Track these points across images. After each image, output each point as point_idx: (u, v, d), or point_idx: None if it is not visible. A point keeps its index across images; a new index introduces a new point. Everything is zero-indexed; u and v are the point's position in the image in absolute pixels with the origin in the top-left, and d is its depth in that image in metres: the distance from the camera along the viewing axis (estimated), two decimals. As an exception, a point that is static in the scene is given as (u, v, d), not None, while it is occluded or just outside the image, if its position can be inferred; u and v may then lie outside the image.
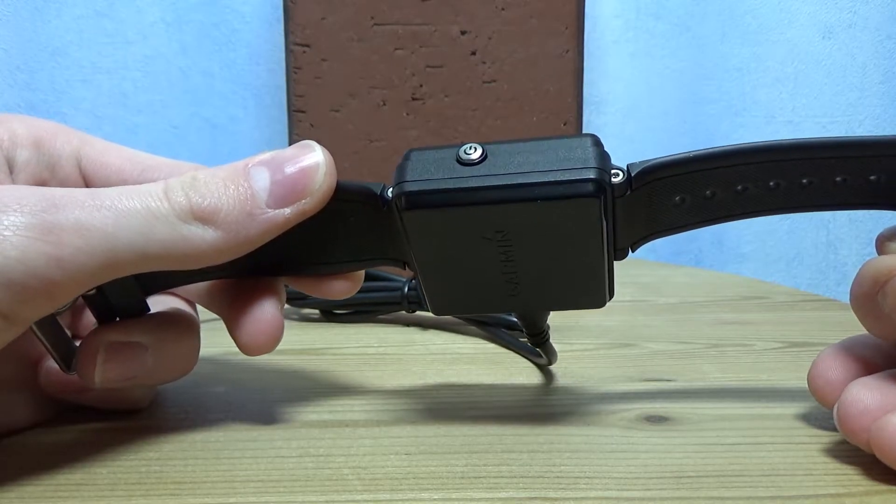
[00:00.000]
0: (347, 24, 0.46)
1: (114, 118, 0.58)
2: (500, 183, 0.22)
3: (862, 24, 0.58)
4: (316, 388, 0.31)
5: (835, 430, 0.24)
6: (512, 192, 0.22)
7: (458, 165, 0.22)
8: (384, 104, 0.46)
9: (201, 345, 0.28)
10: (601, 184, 0.22)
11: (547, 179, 0.22)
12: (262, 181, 0.22)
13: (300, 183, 0.23)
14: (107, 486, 0.22)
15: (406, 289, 0.39)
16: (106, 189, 0.21)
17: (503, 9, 0.46)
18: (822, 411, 0.28)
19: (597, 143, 0.23)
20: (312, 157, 0.23)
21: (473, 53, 0.46)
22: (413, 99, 0.46)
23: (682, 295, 0.45)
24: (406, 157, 0.23)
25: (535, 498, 0.21)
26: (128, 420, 0.27)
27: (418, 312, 0.39)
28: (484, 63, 0.46)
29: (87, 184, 0.26)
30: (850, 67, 0.59)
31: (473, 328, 0.39)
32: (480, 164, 0.22)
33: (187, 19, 0.57)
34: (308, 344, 0.37)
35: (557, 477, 0.23)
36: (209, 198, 0.22)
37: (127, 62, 0.57)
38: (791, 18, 0.58)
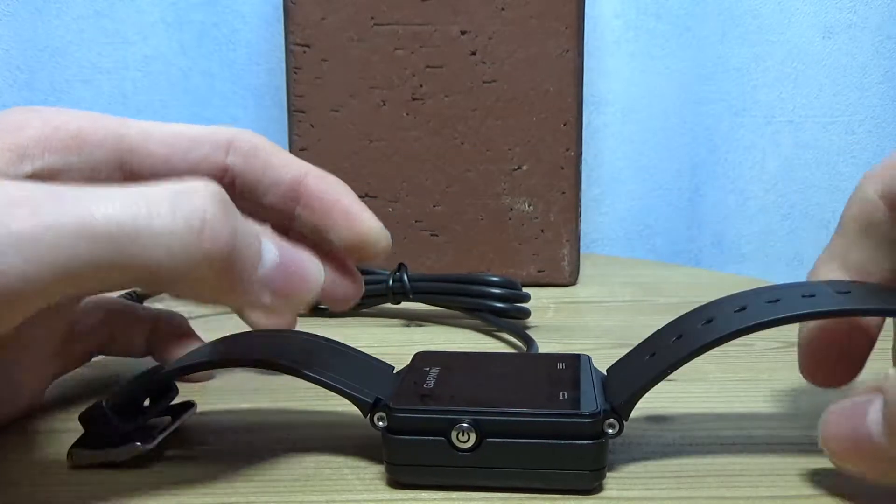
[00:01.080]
0: (347, 24, 0.46)
1: (114, 118, 0.58)
2: (495, 483, 0.22)
3: (862, 24, 0.58)
4: (316, 387, 0.30)
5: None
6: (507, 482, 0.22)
7: (448, 450, 0.21)
8: (384, 104, 0.46)
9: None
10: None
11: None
12: (269, 254, 0.21)
13: (296, 287, 0.21)
14: (107, 486, 0.22)
15: (391, 281, 0.39)
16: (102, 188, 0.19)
17: (503, 9, 0.46)
18: (821, 410, 0.28)
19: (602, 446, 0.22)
20: (317, 273, 0.22)
21: (473, 53, 0.46)
22: (413, 99, 0.46)
23: (682, 295, 0.45)
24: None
25: (536, 498, 0.21)
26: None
27: (405, 304, 0.40)
28: (484, 63, 0.46)
29: (132, 180, 0.24)
30: (850, 67, 0.59)
31: (470, 324, 0.39)
32: (472, 454, 0.21)
33: (187, 19, 0.57)
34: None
35: (557, 477, 0.23)
36: (225, 222, 0.19)
37: (127, 62, 0.57)
38: (791, 18, 0.58)
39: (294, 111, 0.46)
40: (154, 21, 0.57)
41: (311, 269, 0.22)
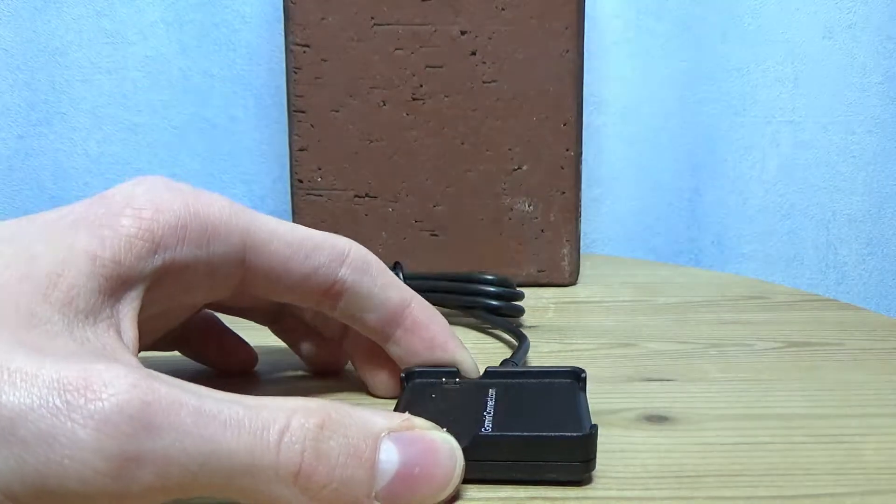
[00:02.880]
0: (347, 24, 0.46)
1: (114, 118, 0.58)
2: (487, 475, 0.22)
3: (862, 24, 0.58)
4: (316, 387, 0.30)
5: (834, 429, 0.24)
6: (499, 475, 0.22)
7: None
8: (384, 104, 0.46)
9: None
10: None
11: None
12: (386, 466, 0.19)
13: (424, 490, 0.20)
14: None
15: None
16: (218, 406, 0.18)
17: (503, 9, 0.46)
18: (821, 412, 0.28)
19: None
20: (449, 465, 0.20)
21: (473, 53, 0.46)
22: (413, 99, 0.46)
23: (682, 295, 0.45)
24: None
25: (535, 498, 0.21)
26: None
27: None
28: (484, 63, 0.46)
29: (248, 276, 0.24)
30: (850, 67, 0.59)
31: (466, 322, 0.39)
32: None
33: (187, 19, 0.57)
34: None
35: (557, 477, 0.23)
36: (325, 465, 0.18)
37: (127, 62, 0.57)
38: (791, 18, 0.58)
39: (294, 111, 0.46)
40: (154, 21, 0.57)
41: (442, 461, 0.20)
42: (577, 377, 0.26)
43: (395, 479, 0.19)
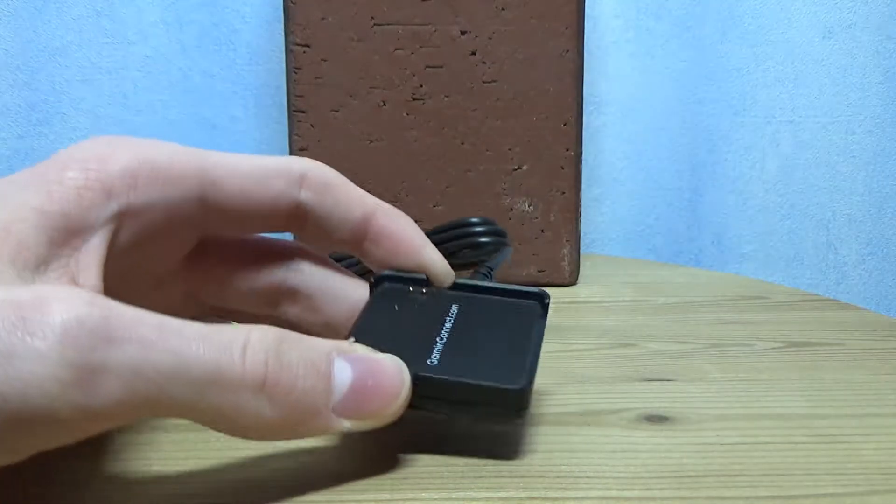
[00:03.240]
0: (347, 24, 0.46)
1: (114, 118, 0.58)
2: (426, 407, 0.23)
3: (862, 24, 0.58)
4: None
5: (834, 429, 0.24)
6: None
7: None
8: (384, 104, 0.46)
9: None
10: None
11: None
12: (341, 380, 0.20)
13: (376, 403, 0.21)
14: (107, 486, 0.22)
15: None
16: (178, 325, 0.18)
17: (503, 9, 0.46)
18: (821, 412, 0.28)
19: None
20: (399, 381, 0.21)
21: (473, 53, 0.46)
22: (413, 99, 0.46)
23: (682, 295, 0.45)
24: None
25: (536, 498, 0.21)
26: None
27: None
28: (484, 63, 0.46)
29: (210, 215, 0.24)
30: (850, 67, 0.59)
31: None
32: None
33: (187, 19, 0.57)
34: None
35: (557, 477, 0.23)
36: (287, 373, 0.19)
37: (127, 62, 0.57)
38: (791, 18, 0.58)
39: (294, 111, 0.46)
40: (154, 21, 0.57)
41: (390, 377, 0.21)
42: (541, 301, 0.27)
43: (350, 392, 0.20)
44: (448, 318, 0.25)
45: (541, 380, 0.31)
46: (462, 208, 0.47)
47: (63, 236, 0.20)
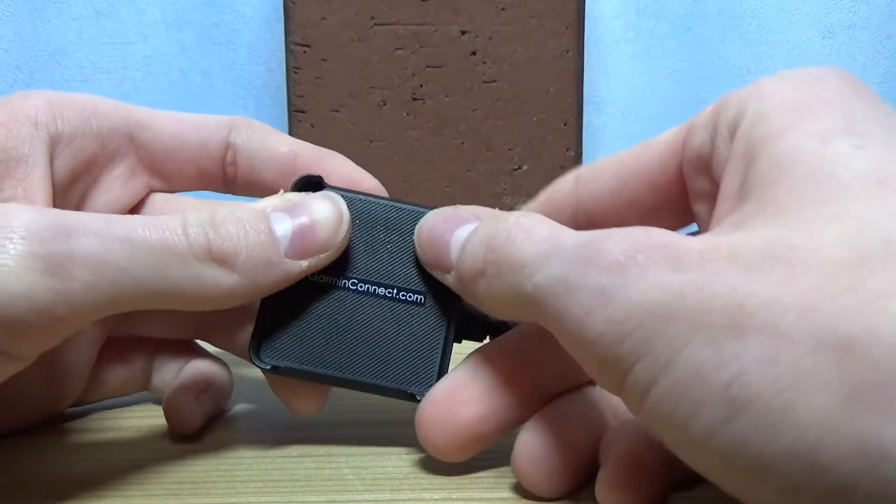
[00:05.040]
0: (347, 24, 0.46)
1: (114, 118, 0.58)
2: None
3: (862, 24, 0.58)
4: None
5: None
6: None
7: None
8: (384, 104, 0.46)
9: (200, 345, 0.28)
10: None
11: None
12: (282, 229, 0.22)
13: (321, 237, 0.22)
14: (107, 486, 0.22)
15: None
16: (122, 218, 0.20)
17: (503, 9, 0.46)
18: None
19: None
20: (335, 211, 0.23)
21: (473, 53, 0.46)
22: (413, 99, 0.46)
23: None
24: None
25: (536, 498, 0.21)
26: (128, 421, 0.27)
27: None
28: (484, 63, 0.46)
29: (142, 151, 0.26)
30: (850, 67, 0.59)
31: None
32: None
33: (187, 19, 0.57)
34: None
35: (557, 477, 0.23)
36: (229, 239, 0.21)
37: (127, 62, 0.57)
38: (791, 18, 0.58)
39: (294, 111, 0.46)
40: (154, 21, 0.57)
41: (326, 209, 0.22)
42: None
43: (295, 235, 0.22)
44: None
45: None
46: (462, 208, 0.47)
47: (5, 168, 0.22)
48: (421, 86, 0.46)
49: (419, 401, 0.22)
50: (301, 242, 0.22)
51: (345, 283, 0.24)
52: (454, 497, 0.22)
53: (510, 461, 0.21)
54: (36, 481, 0.23)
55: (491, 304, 0.21)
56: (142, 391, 0.28)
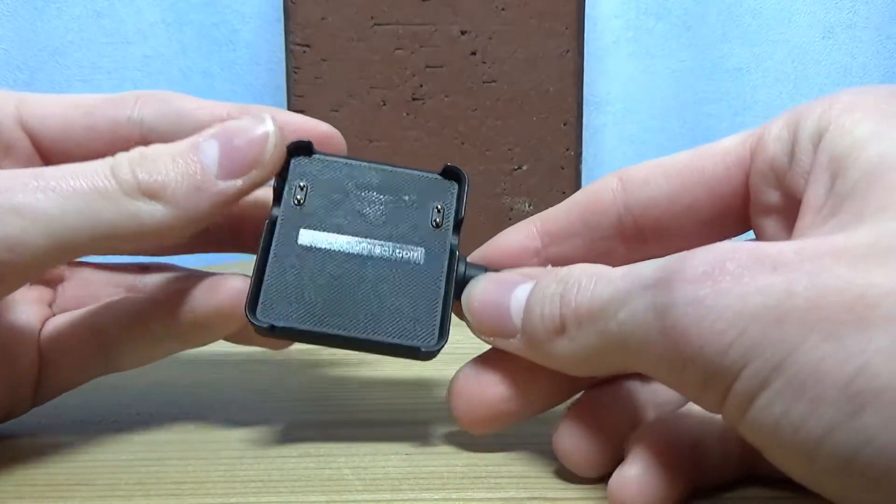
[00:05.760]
0: (347, 24, 0.46)
1: (114, 118, 0.58)
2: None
3: (862, 24, 0.58)
4: (315, 387, 0.31)
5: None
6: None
7: None
8: (384, 104, 0.46)
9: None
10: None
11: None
12: (211, 154, 0.22)
13: (250, 154, 0.22)
14: (107, 486, 0.22)
15: None
16: (50, 168, 0.21)
17: (503, 9, 0.46)
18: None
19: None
20: (262, 128, 0.23)
21: (473, 53, 0.46)
22: (413, 99, 0.46)
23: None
24: None
25: (536, 498, 0.21)
26: (127, 421, 0.27)
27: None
28: (484, 63, 0.46)
29: (34, 140, 0.25)
30: (850, 67, 0.59)
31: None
32: None
33: (187, 19, 0.57)
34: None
35: (557, 477, 0.23)
36: (156, 173, 0.21)
37: (127, 62, 0.57)
38: (791, 18, 0.58)
39: (294, 111, 0.46)
40: (154, 21, 0.57)
41: (252, 126, 0.23)
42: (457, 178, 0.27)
43: (223, 157, 0.22)
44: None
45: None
46: (462, 208, 0.47)
47: None
48: (421, 86, 0.46)
49: (423, 353, 0.23)
50: (230, 163, 0.22)
51: (341, 243, 0.24)
52: (454, 497, 0.22)
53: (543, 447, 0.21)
54: (36, 481, 0.23)
55: (571, 362, 0.20)
56: (105, 374, 0.26)
